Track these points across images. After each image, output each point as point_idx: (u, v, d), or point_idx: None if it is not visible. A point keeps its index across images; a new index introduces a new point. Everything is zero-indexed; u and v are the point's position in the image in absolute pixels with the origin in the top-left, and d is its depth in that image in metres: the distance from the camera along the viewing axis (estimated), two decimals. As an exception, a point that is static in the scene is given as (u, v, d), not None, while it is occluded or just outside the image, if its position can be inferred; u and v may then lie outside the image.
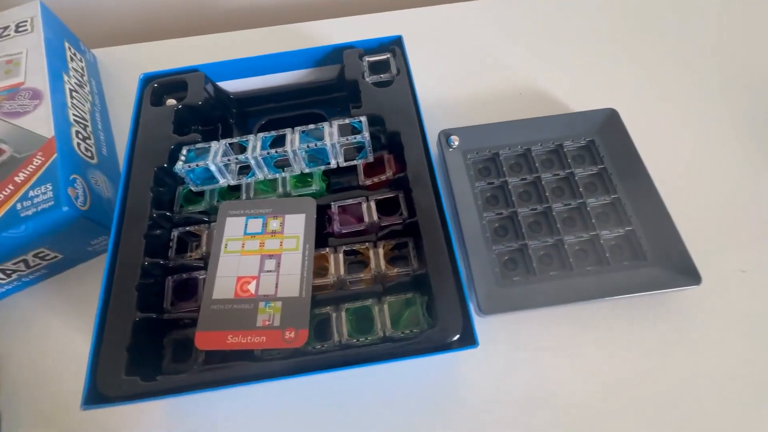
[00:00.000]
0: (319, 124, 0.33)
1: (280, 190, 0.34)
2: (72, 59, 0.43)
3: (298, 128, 0.33)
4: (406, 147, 0.31)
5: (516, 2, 0.50)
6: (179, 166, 0.31)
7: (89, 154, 0.37)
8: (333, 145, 0.32)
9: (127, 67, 0.49)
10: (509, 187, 0.37)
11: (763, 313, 0.32)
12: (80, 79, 0.42)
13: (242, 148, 0.33)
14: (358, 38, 0.38)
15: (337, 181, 0.36)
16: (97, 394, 0.24)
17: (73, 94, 0.39)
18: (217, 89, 0.38)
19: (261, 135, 0.33)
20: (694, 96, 0.42)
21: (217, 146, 0.33)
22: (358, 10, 0.50)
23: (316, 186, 0.34)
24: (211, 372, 0.26)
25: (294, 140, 0.32)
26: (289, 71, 0.39)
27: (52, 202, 0.31)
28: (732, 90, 0.43)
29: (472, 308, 0.31)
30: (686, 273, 0.31)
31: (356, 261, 0.33)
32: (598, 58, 0.46)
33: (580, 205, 0.36)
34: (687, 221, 0.34)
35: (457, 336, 0.25)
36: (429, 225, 0.28)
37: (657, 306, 0.33)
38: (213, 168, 0.32)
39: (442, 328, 0.25)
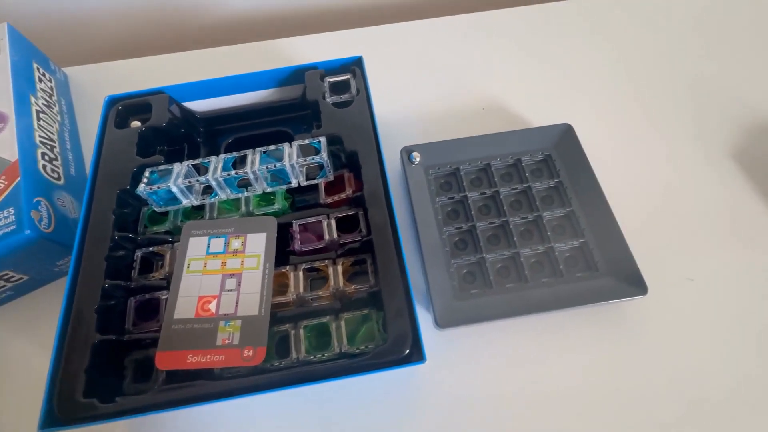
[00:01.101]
0: (280, 144, 0.34)
1: (243, 209, 0.34)
2: (40, 80, 0.43)
3: (259, 149, 0.34)
4: (363, 166, 0.32)
5: (478, 20, 0.52)
6: (141, 188, 0.32)
7: (55, 175, 0.37)
8: (292, 166, 0.32)
9: (99, 85, 0.49)
10: (469, 201, 0.38)
11: (710, 320, 0.34)
12: (48, 99, 0.43)
13: (205, 169, 0.34)
14: (323, 55, 0.39)
15: (302, 198, 0.37)
16: (55, 417, 0.25)
17: (41, 115, 0.40)
18: (183, 110, 0.39)
19: (223, 156, 0.34)
20: (644, 111, 0.44)
21: (180, 168, 0.33)
22: (323, 28, 0.51)
23: (278, 205, 0.35)
24: (170, 392, 0.26)
25: (254, 161, 0.33)
26: (254, 91, 0.40)
27: (14, 226, 0.31)
28: (682, 106, 0.44)
29: (431, 322, 0.32)
30: (634, 283, 0.33)
31: (318, 277, 0.34)
32: (558, 73, 0.47)
33: (536, 218, 0.37)
34: (637, 232, 0.35)
35: (407, 351, 0.26)
36: (382, 243, 0.29)
37: (609, 315, 0.34)
38: (175, 190, 0.32)
39: (392, 344, 0.26)
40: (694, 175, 0.40)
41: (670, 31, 0.50)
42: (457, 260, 0.35)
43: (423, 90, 0.46)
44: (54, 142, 0.40)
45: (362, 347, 0.28)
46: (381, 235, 0.30)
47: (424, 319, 0.34)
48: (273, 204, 0.35)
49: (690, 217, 0.38)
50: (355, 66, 0.38)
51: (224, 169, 0.33)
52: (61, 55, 0.53)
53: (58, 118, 0.43)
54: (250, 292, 0.30)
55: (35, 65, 0.43)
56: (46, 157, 0.37)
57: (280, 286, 0.32)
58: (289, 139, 0.40)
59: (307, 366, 0.27)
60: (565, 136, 0.40)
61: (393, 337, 0.26)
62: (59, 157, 0.39)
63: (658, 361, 0.32)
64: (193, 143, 0.40)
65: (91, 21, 0.56)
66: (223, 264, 0.32)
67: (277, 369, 0.28)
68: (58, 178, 0.38)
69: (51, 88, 0.44)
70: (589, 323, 0.34)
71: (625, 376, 0.32)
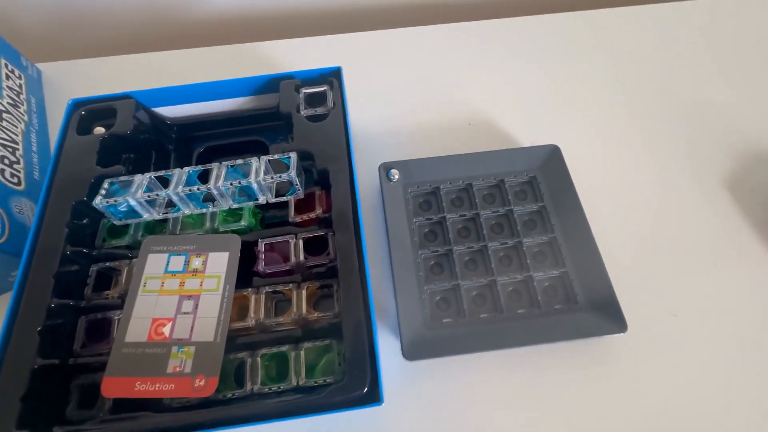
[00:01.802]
0: (248, 158, 0.32)
1: (208, 225, 0.33)
2: (8, 77, 0.41)
3: (225, 163, 0.32)
4: (334, 186, 0.31)
5: (469, 30, 0.50)
6: (98, 200, 0.30)
7: (15, 180, 0.36)
8: (259, 183, 0.31)
9: (74, 83, 0.47)
10: (447, 223, 0.36)
11: (693, 359, 0.32)
12: (15, 98, 0.41)
13: (169, 182, 0.32)
14: (303, 60, 0.38)
15: (273, 214, 0.35)
16: (-16, 450, 0.23)
17: (4, 115, 0.38)
18: (152, 115, 0.37)
19: (188, 169, 0.32)
20: (636, 136, 0.42)
21: (141, 179, 0.32)
22: (304, 32, 0.50)
23: (245, 221, 0.33)
24: (112, 423, 0.25)
25: (219, 176, 0.31)
26: (228, 98, 0.38)
27: (-39, 237, 0.29)
28: (675, 133, 0.42)
29: (398, 349, 0.31)
30: (613, 320, 0.31)
31: (283, 300, 0.32)
32: (550, 90, 0.45)
33: (516, 244, 0.35)
34: (621, 263, 0.34)
35: (364, 390, 0.24)
36: (347, 271, 0.28)
37: (587, 351, 0.32)
38: (133, 203, 0.31)
39: (348, 383, 0.24)
40: (685, 205, 0.38)
41: (668, 55, 0.48)
42: (431, 285, 0.34)
43: (406, 102, 0.45)
44: (17, 144, 0.38)
45: (321, 380, 0.27)
46: (346, 262, 0.28)
47: (392, 347, 0.32)
48: (240, 220, 0.33)
49: (677, 248, 0.36)
50: (333, 77, 0.36)
51: (188, 182, 0.31)
52: (37, 50, 0.51)
53: (25, 117, 0.41)
54: (207, 316, 0.29)
55: (3, 61, 0.42)
56: (6, 161, 0.36)
57: (240, 309, 0.30)
58: (265, 149, 0.39)
59: (260, 401, 0.25)
60: (551, 157, 0.38)
61: (350, 375, 0.25)
62: (21, 161, 0.38)
63: (637, 401, 0.31)
64: (162, 151, 0.38)
65: (71, 16, 0.54)
66: (182, 284, 0.30)
67: (228, 401, 0.26)
68: (18, 183, 0.36)
69: (20, 86, 0.42)
70: (566, 359, 0.32)
71: (602, 416, 0.30)
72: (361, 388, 0.24)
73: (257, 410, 0.24)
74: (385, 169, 0.37)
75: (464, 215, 0.37)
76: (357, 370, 0.25)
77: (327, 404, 0.24)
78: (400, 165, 0.37)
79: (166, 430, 0.24)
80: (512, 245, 0.35)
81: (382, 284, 0.35)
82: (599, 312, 0.32)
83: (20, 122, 0.40)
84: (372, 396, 0.24)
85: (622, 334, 0.31)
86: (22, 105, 0.41)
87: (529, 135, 0.42)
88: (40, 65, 0.48)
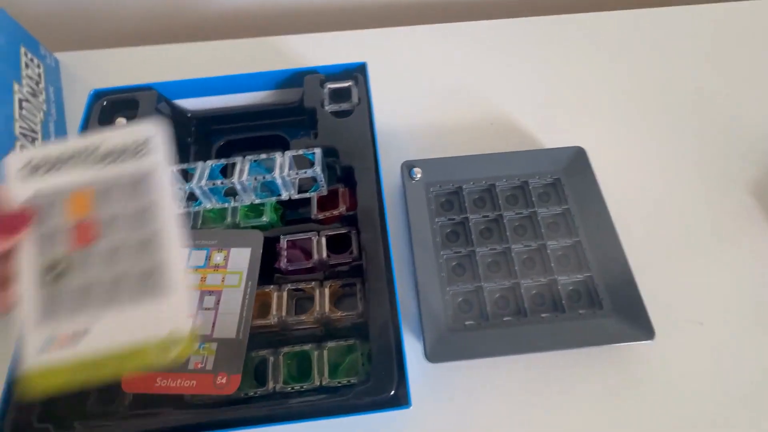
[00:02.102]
0: (272, 153, 0.32)
1: (230, 219, 0.32)
2: (27, 66, 0.41)
3: (249, 157, 0.31)
4: (359, 183, 0.30)
5: (494, 28, 0.49)
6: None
7: (34, 170, 0.35)
8: (283, 178, 0.30)
9: (92, 73, 0.47)
10: (470, 223, 0.36)
11: (719, 368, 0.32)
12: (35, 87, 0.41)
13: (190, 175, 0.32)
14: (325, 56, 0.37)
15: (294, 211, 0.35)
16: (5, 444, 0.23)
17: (24, 104, 0.38)
18: (173, 108, 0.37)
19: (211, 162, 0.32)
20: (663, 141, 0.42)
21: (163, 172, 0.31)
22: (327, 27, 0.49)
23: (267, 217, 0.32)
24: (133, 420, 0.25)
25: (243, 171, 0.31)
26: (250, 92, 0.37)
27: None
28: (705, 138, 0.42)
29: (420, 353, 0.30)
30: (640, 326, 0.30)
31: (304, 297, 0.32)
32: (573, 93, 0.45)
33: (540, 247, 0.35)
34: (646, 269, 0.33)
35: (391, 393, 0.24)
36: (373, 270, 0.27)
37: (612, 357, 0.32)
38: (156, 196, 0.30)
39: (375, 385, 0.24)
40: (714, 213, 0.38)
41: (698, 58, 0.47)
42: (453, 287, 0.33)
43: (429, 100, 0.44)
44: (36, 133, 0.38)
45: (345, 381, 0.26)
46: (372, 261, 0.27)
47: (413, 348, 0.32)
48: (261, 216, 0.33)
49: (705, 257, 0.36)
50: (357, 73, 0.35)
51: (211, 176, 0.31)
52: (55, 40, 0.51)
53: (44, 107, 0.41)
54: (229, 312, 0.28)
55: (23, 50, 0.41)
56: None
57: (261, 306, 0.30)
58: (285, 145, 0.38)
59: (283, 400, 0.25)
60: (577, 159, 0.37)
61: (377, 377, 0.24)
62: (40, 150, 0.37)
63: (662, 410, 0.30)
64: (182, 144, 0.38)
65: (90, 5, 0.53)
66: (203, 279, 0.30)
67: (250, 399, 0.26)
68: (37, 173, 0.35)
69: (39, 75, 0.42)
70: (589, 366, 0.31)
71: (626, 424, 0.30)
72: (388, 390, 0.24)
73: (283, 410, 0.24)
74: (408, 167, 0.37)
75: (487, 216, 0.36)
76: (383, 372, 0.24)
77: (354, 406, 0.23)
78: (422, 163, 0.37)
79: (188, 428, 0.24)
80: (536, 248, 0.35)
81: (403, 285, 0.34)
82: (626, 318, 0.31)
83: (39, 112, 0.40)
84: (399, 398, 0.24)
85: (648, 341, 0.30)
86: (41, 94, 0.41)
87: (551, 136, 0.42)
88: (57, 55, 0.47)
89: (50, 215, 0.19)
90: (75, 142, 0.20)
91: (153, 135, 0.21)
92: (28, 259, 0.18)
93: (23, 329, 0.18)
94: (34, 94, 0.40)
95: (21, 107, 0.37)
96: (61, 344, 0.18)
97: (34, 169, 0.19)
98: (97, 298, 0.19)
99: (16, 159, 0.19)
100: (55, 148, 0.20)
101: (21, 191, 0.19)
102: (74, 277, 0.19)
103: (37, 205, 0.19)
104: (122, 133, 0.20)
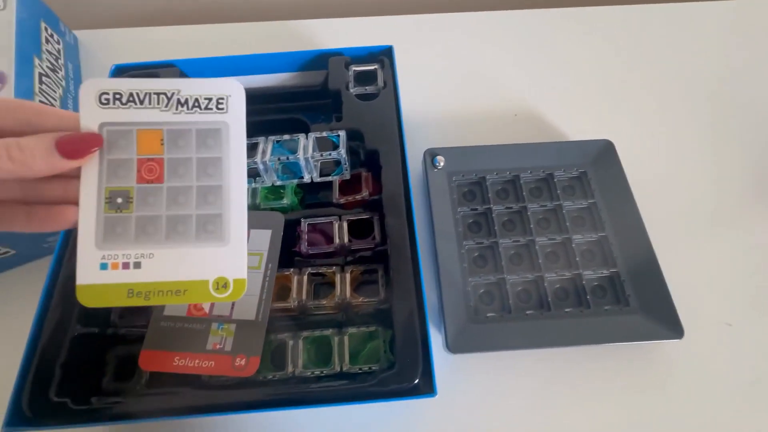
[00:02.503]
0: (295, 135, 0.31)
1: (250, 201, 0.32)
2: (48, 41, 0.40)
3: (272, 137, 0.31)
4: (384, 167, 0.30)
5: (518, 19, 0.48)
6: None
7: (53, 145, 0.35)
8: (307, 160, 0.30)
9: (110, 52, 0.46)
10: (493, 214, 0.35)
11: (748, 370, 0.31)
12: (54, 62, 0.40)
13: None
14: (346, 41, 0.36)
15: (313, 195, 0.34)
16: (23, 416, 0.22)
17: (43, 79, 0.37)
18: (195, 87, 0.36)
19: (232, 142, 0.31)
20: (693, 136, 0.40)
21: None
22: (349, 12, 0.48)
23: (287, 200, 0.32)
24: (151, 398, 0.24)
25: (266, 151, 0.30)
26: (271, 73, 0.37)
27: (1, 198, 0.29)
28: (737, 136, 0.40)
29: (440, 344, 0.30)
30: (669, 325, 0.30)
31: (323, 283, 0.31)
32: (600, 85, 0.44)
33: (565, 241, 0.34)
34: (675, 267, 0.32)
35: (416, 381, 0.23)
36: (398, 257, 0.26)
37: (637, 355, 0.31)
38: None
39: (399, 372, 0.23)
40: (744, 211, 0.36)
41: (730, 53, 0.45)
42: (475, 278, 0.32)
43: (452, 88, 0.43)
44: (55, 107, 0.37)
45: (365, 368, 0.26)
46: (398, 247, 0.27)
47: (434, 340, 0.31)
48: (282, 198, 0.32)
49: (736, 256, 0.35)
50: (384, 56, 0.35)
51: (232, 156, 0.30)
52: (73, 17, 0.50)
53: (63, 83, 0.40)
54: (249, 294, 0.28)
55: (43, 25, 0.41)
56: (45, 125, 0.35)
57: (280, 289, 0.29)
58: (305, 129, 0.37)
59: (303, 384, 0.24)
60: (605, 153, 0.37)
61: (401, 364, 0.23)
62: (59, 126, 0.37)
63: (688, 412, 0.29)
64: (202, 124, 0.37)
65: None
66: (222, 260, 0.29)
67: (269, 382, 0.25)
68: (56, 148, 0.35)
69: (58, 51, 0.42)
70: (613, 363, 0.31)
71: (650, 423, 0.29)
72: (413, 378, 0.23)
73: (305, 394, 0.23)
74: (431, 155, 0.36)
75: (510, 208, 0.35)
76: (408, 360, 0.23)
77: (379, 392, 0.23)
78: (446, 152, 0.36)
79: (207, 408, 0.23)
80: (560, 241, 0.34)
81: (424, 274, 0.33)
82: (653, 316, 0.30)
83: (58, 87, 0.39)
84: (424, 387, 0.23)
85: (675, 340, 0.29)
86: (60, 70, 0.41)
87: (576, 129, 0.41)
88: (76, 32, 0.47)
89: (119, 146, 0.19)
90: (155, 82, 0.20)
91: (232, 93, 0.20)
92: (93, 182, 0.19)
93: (80, 248, 0.18)
94: (53, 69, 0.39)
95: (41, 81, 0.37)
96: (115, 268, 0.19)
97: (109, 100, 0.19)
98: (156, 233, 0.19)
99: (93, 86, 0.19)
100: (133, 84, 0.19)
101: (93, 118, 0.19)
102: (136, 209, 0.19)
103: (107, 132, 0.19)
104: (202, 84, 0.20)
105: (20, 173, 0.17)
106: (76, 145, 0.18)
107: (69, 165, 0.18)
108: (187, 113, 0.20)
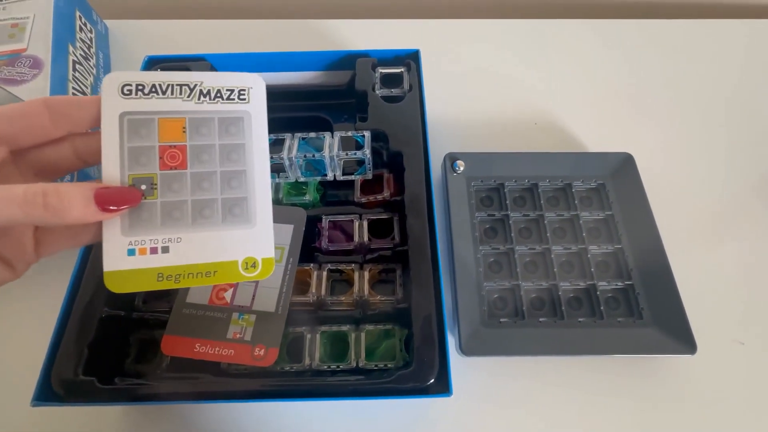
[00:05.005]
0: (321, 133, 0.31)
1: (272, 195, 0.32)
2: (81, 29, 0.42)
3: (298, 134, 0.31)
4: (407, 169, 0.30)
5: (542, 29, 0.48)
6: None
7: (84, 131, 0.36)
8: (332, 158, 0.30)
9: (139, 42, 0.47)
10: (510, 221, 0.35)
11: (759, 389, 0.31)
12: (87, 51, 0.41)
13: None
14: (372, 43, 0.37)
15: (333, 193, 0.35)
16: (51, 392, 0.23)
17: (77, 66, 0.38)
18: (223, 81, 0.37)
19: (259, 137, 0.32)
20: (715, 152, 0.40)
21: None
22: (375, 14, 0.49)
23: (309, 196, 0.32)
24: (172, 382, 0.25)
25: (292, 147, 0.31)
26: (298, 72, 0.37)
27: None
28: (756, 154, 0.40)
29: (453, 346, 0.30)
30: (682, 340, 0.30)
31: (341, 279, 0.32)
32: (621, 98, 0.44)
33: (580, 251, 0.34)
34: (690, 283, 0.32)
35: (431, 380, 0.24)
36: (418, 258, 0.27)
37: (648, 369, 0.31)
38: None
39: (416, 370, 0.24)
40: (762, 231, 0.36)
41: (753, 70, 0.45)
42: (490, 283, 0.33)
43: (474, 94, 0.43)
44: (86, 95, 0.38)
45: (380, 365, 0.26)
46: (418, 248, 0.27)
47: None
48: (304, 195, 0.33)
49: (751, 274, 0.35)
50: (410, 59, 0.35)
51: (259, 150, 0.31)
52: (104, 6, 0.51)
53: (94, 71, 0.41)
54: (270, 287, 0.28)
55: (78, 13, 0.42)
56: (77, 111, 0.36)
57: (300, 284, 0.30)
58: (328, 128, 0.38)
59: (320, 377, 0.25)
60: (624, 166, 0.37)
61: (418, 363, 0.24)
62: (90, 113, 0.38)
63: (698, 428, 0.29)
64: (228, 117, 0.38)
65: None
66: (245, 251, 0.30)
67: (287, 374, 0.26)
68: (86, 135, 0.36)
69: (90, 40, 0.43)
70: (623, 375, 0.31)
71: (656, 437, 0.29)
72: (429, 377, 0.23)
73: (323, 387, 0.24)
74: (451, 159, 0.36)
75: (527, 215, 0.36)
76: (425, 359, 0.24)
77: (395, 389, 0.23)
78: (466, 157, 0.36)
79: (226, 394, 0.24)
80: (576, 251, 0.34)
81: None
82: (666, 330, 0.30)
83: (90, 75, 0.40)
84: (440, 386, 0.23)
85: (687, 355, 0.30)
86: (92, 58, 0.42)
87: (596, 140, 0.41)
88: (107, 21, 0.48)
89: (140, 134, 0.19)
90: (177, 74, 0.20)
91: (253, 86, 0.21)
92: (115, 170, 0.19)
93: (106, 235, 0.19)
94: (86, 58, 0.40)
95: (74, 69, 0.38)
96: (143, 254, 0.19)
97: (131, 90, 0.19)
98: (182, 218, 0.20)
99: (115, 79, 0.19)
100: (156, 76, 0.20)
101: (114, 107, 0.19)
102: (160, 195, 0.19)
103: (128, 121, 0.19)
104: (224, 76, 0.21)
105: (51, 222, 0.16)
106: (115, 198, 0.18)
107: (102, 217, 0.17)
108: (209, 103, 0.20)
